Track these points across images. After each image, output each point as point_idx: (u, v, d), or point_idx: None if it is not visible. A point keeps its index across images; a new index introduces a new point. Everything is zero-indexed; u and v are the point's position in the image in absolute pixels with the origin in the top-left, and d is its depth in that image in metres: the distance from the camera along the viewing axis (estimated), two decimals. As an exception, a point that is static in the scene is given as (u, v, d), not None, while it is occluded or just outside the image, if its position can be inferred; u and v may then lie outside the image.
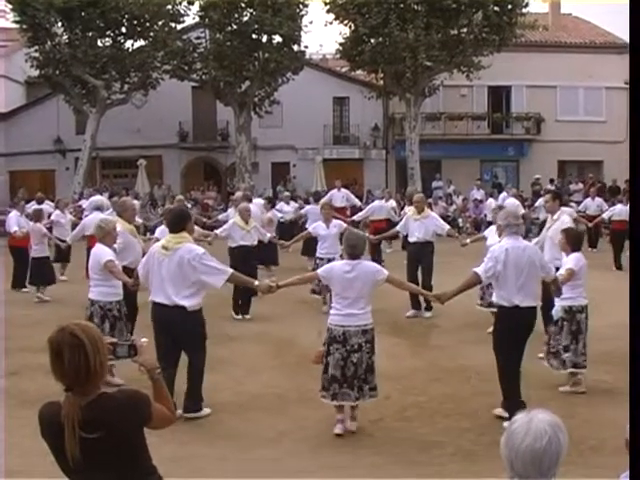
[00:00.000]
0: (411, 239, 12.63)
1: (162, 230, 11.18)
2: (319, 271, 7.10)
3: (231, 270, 7.18)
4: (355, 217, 18.74)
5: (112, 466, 3.00)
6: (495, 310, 10.73)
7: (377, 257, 17.42)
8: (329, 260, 12.58)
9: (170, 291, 6.91)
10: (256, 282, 7.42)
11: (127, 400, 3.05)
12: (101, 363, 2.97)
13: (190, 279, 6.89)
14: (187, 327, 6.97)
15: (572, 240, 8.24)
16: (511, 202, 19.50)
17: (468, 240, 12.73)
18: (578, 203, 23.22)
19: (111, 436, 2.94)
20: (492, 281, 7.16)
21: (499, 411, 7.16)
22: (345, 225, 13.59)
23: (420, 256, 12.37)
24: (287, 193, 23.44)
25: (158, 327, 7.13)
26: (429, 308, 12.15)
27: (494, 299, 7.35)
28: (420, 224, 12.43)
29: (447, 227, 12.90)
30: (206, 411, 7.26)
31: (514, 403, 6.97)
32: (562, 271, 8.00)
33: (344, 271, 6.72)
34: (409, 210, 13.25)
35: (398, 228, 13.24)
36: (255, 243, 12.67)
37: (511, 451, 2.53)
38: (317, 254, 12.90)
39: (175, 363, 7.20)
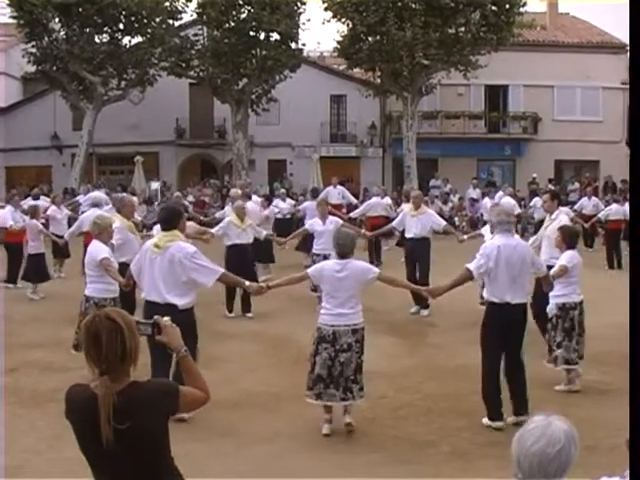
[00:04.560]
0: (408, 235, 12.76)
1: (158, 228, 11.10)
2: (309, 271, 7.09)
3: (222, 270, 7.16)
4: (352, 214, 18.83)
5: (135, 459, 3.02)
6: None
7: (376, 255, 17.49)
8: (325, 257, 12.62)
9: (162, 289, 6.86)
10: (247, 283, 7.32)
11: (156, 392, 3.09)
12: (136, 347, 3.03)
13: (181, 278, 6.85)
14: (176, 325, 6.84)
15: (567, 237, 8.35)
16: (506, 201, 19.51)
17: (465, 236, 12.79)
18: (574, 203, 23.21)
19: (137, 428, 2.97)
20: (484, 278, 7.17)
21: (486, 422, 7.09)
22: (341, 222, 13.65)
23: (417, 252, 12.45)
24: (283, 190, 23.42)
25: None
26: (426, 307, 12.17)
27: (485, 295, 7.33)
28: (417, 220, 12.52)
29: (444, 223, 13.00)
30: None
31: (491, 403, 6.96)
32: (556, 268, 8.07)
33: (334, 270, 6.72)
34: (406, 207, 13.30)
35: (394, 224, 13.31)
36: (251, 241, 12.66)
37: (521, 449, 2.53)
38: (313, 250, 12.97)
39: (169, 365, 7.14)
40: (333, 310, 6.69)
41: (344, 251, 6.82)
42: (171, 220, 7.18)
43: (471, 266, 7.05)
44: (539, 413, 2.66)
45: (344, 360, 6.65)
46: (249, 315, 12.09)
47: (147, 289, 7.07)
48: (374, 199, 18.96)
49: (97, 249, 8.24)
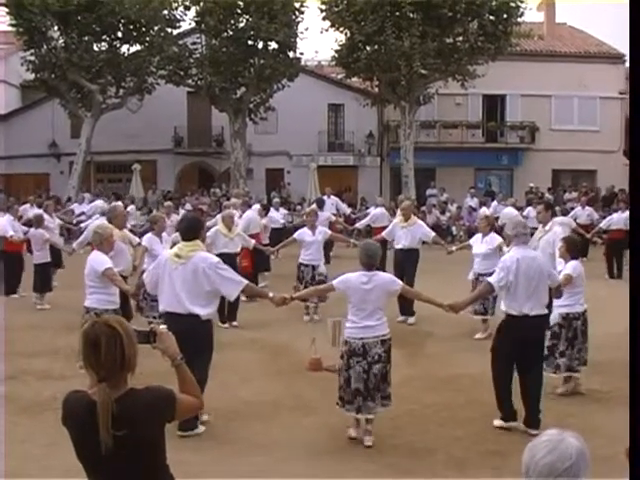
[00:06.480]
0: (397, 246, 12.70)
1: (149, 238, 11.01)
2: (335, 282, 6.94)
3: (246, 281, 7.08)
4: (357, 225, 18.92)
5: (132, 465, 3.03)
6: (487, 317, 10.90)
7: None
8: (313, 267, 12.62)
9: (185, 300, 6.78)
10: (271, 294, 7.26)
11: (154, 400, 3.09)
12: (134, 354, 3.04)
13: (204, 288, 6.78)
14: (198, 335, 6.73)
15: (572, 248, 8.45)
16: (509, 211, 19.53)
17: (454, 248, 12.80)
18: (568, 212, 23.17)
19: (135, 435, 2.98)
20: (502, 291, 7.17)
21: (499, 423, 7.17)
22: (330, 232, 13.67)
23: (404, 263, 12.42)
24: (277, 199, 23.41)
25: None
26: (411, 313, 12.18)
27: (502, 307, 7.34)
28: (407, 231, 12.52)
29: (433, 234, 12.93)
30: (201, 428, 7.04)
31: (506, 410, 7.11)
32: (560, 277, 8.11)
33: (361, 282, 6.66)
34: (397, 217, 13.28)
35: (384, 234, 13.22)
36: (238, 250, 12.53)
37: (531, 460, 2.53)
38: (300, 260, 12.86)
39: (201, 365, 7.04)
40: (360, 323, 6.65)
41: (372, 263, 6.76)
42: (192, 230, 7.11)
43: (492, 280, 7.12)
44: (553, 427, 2.66)
45: (377, 372, 6.66)
46: (235, 324, 11.95)
47: (166, 300, 6.96)
48: (378, 209, 19.02)
49: (99, 260, 8.12)
